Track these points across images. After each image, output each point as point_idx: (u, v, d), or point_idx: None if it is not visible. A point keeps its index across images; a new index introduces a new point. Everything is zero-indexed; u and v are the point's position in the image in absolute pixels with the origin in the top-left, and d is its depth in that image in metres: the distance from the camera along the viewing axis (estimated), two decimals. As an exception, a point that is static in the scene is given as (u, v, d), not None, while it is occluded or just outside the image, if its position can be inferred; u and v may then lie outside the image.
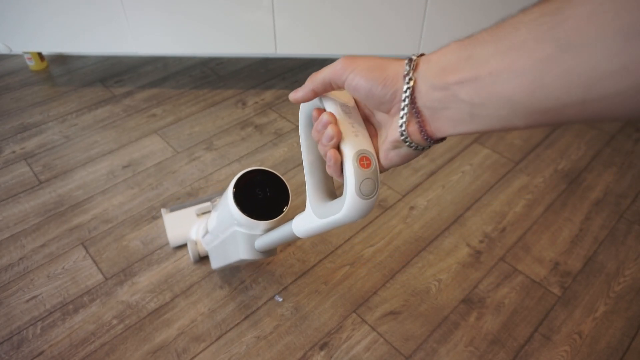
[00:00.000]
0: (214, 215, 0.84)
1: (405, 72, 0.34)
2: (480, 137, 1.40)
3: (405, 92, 0.34)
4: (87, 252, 1.07)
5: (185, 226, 1.08)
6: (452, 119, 0.33)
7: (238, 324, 0.94)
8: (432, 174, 1.28)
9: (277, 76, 1.67)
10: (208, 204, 1.12)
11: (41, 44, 1.48)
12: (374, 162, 0.38)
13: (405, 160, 0.39)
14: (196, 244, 1.03)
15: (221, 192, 1.22)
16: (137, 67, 1.72)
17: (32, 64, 1.69)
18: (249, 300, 0.98)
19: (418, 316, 0.95)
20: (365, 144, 0.39)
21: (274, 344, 0.91)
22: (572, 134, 1.41)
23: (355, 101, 0.43)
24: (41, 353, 0.89)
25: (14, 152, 1.35)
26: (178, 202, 1.19)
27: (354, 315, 0.96)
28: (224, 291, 1.00)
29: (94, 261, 1.05)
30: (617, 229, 1.13)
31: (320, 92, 0.41)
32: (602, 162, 1.31)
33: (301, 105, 0.46)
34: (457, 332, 0.93)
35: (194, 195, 1.21)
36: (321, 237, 1.11)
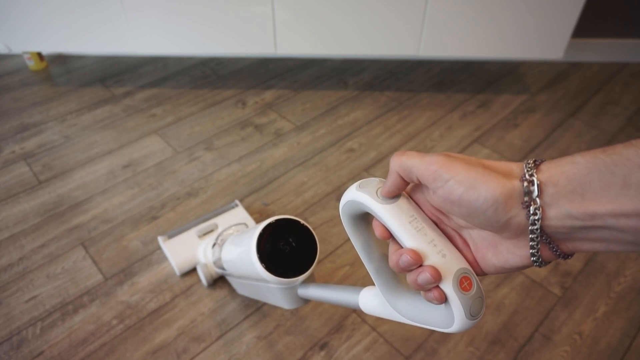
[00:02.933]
0: (230, 256, 0.77)
1: (526, 200, 0.28)
2: (480, 137, 1.40)
3: (534, 224, 0.29)
4: (87, 252, 1.07)
5: (190, 250, 1.02)
6: (603, 241, 0.28)
7: (238, 324, 0.94)
8: (432, 174, 1.27)
9: (277, 76, 1.67)
10: (209, 223, 1.08)
11: (41, 44, 1.48)
12: (475, 279, 0.34)
13: (518, 270, 0.34)
14: (207, 266, 0.98)
15: (221, 192, 1.22)
16: (137, 67, 1.72)
17: (32, 64, 1.69)
18: (249, 300, 0.98)
19: (418, 316, 0.95)
20: (459, 262, 0.34)
21: (274, 344, 0.91)
22: (572, 134, 1.41)
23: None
24: (41, 353, 0.89)
25: (13, 152, 1.35)
26: (174, 222, 1.19)
27: (354, 315, 0.96)
28: (224, 291, 0.99)
29: (94, 261, 1.05)
30: (617, 229, 1.13)
31: (404, 178, 0.34)
32: (602, 162, 1.31)
33: (343, 203, 0.39)
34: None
35: (194, 195, 1.21)
36: (321, 237, 1.11)
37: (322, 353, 0.90)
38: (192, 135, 1.41)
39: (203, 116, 1.48)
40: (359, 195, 0.37)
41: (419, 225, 0.35)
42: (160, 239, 1.06)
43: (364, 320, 0.95)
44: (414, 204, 0.36)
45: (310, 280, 0.65)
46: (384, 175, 1.26)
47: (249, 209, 1.17)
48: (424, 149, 1.35)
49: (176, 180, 1.26)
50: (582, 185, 0.26)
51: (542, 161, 0.29)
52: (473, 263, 0.35)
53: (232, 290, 1.00)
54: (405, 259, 0.33)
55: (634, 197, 0.25)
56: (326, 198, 1.20)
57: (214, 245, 0.95)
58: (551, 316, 0.96)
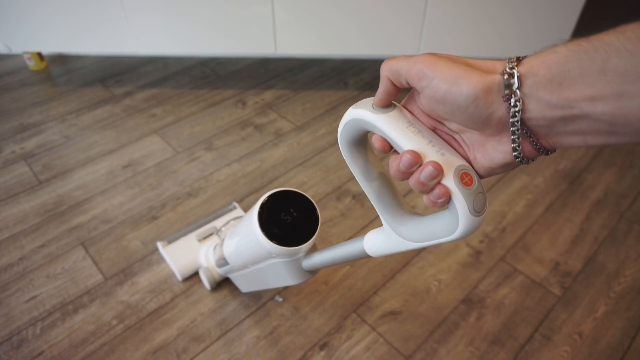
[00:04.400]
0: (231, 246, 0.77)
1: (506, 92, 0.29)
2: (480, 137, 1.40)
3: (514, 116, 0.29)
4: (87, 252, 1.07)
5: (190, 254, 1.01)
6: (580, 133, 0.28)
7: (238, 324, 0.94)
8: (432, 174, 1.27)
9: (277, 76, 1.67)
10: (208, 227, 1.07)
11: (41, 44, 1.48)
12: (475, 175, 0.35)
13: (507, 170, 0.34)
14: (210, 270, 0.97)
15: (221, 192, 1.22)
16: (137, 67, 1.72)
17: (32, 64, 1.69)
18: (249, 300, 0.98)
19: (418, 316, 0.95)
20: (458, 159, 0.35)
21: (274, 344, 0.91)
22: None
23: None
24: (41, 353, 0.89)
25: (13, 152, 1.35)
26: (172, 226, 1.19)
27: (354, 315, 0.96)
28: (224, 291, 0.99)
29: (94, 261, 1.05)
30: (617, 229, 1.13)
31: (395, 83, 0.35)
32: (602, 162, 1.31)
33: (342, 126, 0.40)
34: (457, 332, 0.93)
35: (194, 195, 1.21)
36: (321, 238, 1.10)
37: (322, 353, 0.90)
38: (192, 135, 1.41)
39: (203, 116, 1.48)
40: (356, 112, 0.37)
41: (416, 129, 0.36)
42: (159, 244, 1.04)
43: (364, 321, 0.95)
44: (408, 112, 0.37)
45: (312, 251, 0.64)
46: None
47: (248, 209, 1.17)
48: (424, 149, 1.35)
49: (176, 180, 1.26)
50: (561, 73, 0.27)
51: (525, 57, 0.29)
52: None
53: (232, 290, 1.00)
54: (406, 159, 0.33)
55: (610, 81, 0.25)
56: (326, 198, 1.20)
57: (216, 247, 0.94)
58: (551, 316, 0.96)
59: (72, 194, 1.21)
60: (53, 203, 1.19)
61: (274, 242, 0.60)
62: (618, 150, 1.35)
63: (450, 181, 0.34)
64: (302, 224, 0.62)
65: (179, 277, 1.00)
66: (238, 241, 0.73)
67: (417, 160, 0.33)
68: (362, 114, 0.37)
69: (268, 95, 1.58)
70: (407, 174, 0.34)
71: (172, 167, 1.30)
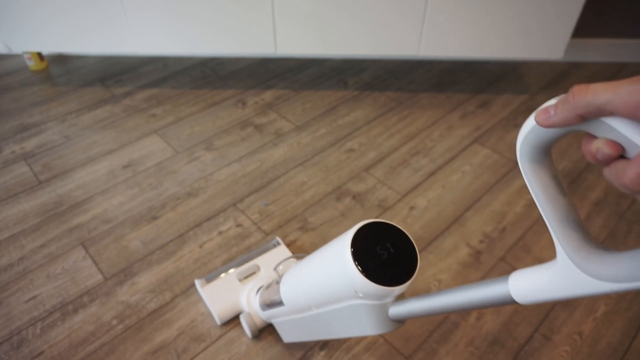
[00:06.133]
0: (294, 283, 0.67)
1: None
2: (480, 137, 1.40)
3: None
4: (87, 252, 1.07)
5: (231, 297, 0.93)
6: None
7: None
8: (432, 174, 1.28)
9: (277, 76, 1.67)
10: (249, 265, 0.99)
11: (41, 44, 1.47)
12: None
13: None
14: (252, 316, 0.90)
15: (221, 192, 1.22)
16: (137, 67, 1.72)
17: (32, 64, 1.69)
18: (249, 300, 0.98)
19: (418, 316, 0.95)
20: None
21: (274, 344, 0.91)
22: (572, 134, 1.41)
23: None
24: (41, 353, 0.89)
25: (13, 152, 1.35)
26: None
27: (354, 315, 0.95)
28: (224, 291, 0.99)
29: (94, 261, 1.05)
30: (617, 229, 1.13)
31: (586, 118, 0.29)
32: (602, 162, 1.31)
33: (524, 132, 0.33)
34: (457, 332, 0.93)
35: (194, 195, 1.21)
36: (321, 237, 1.11)
37: (322, 353, 0.90)
38: (192, 135, 1.41)
39: (203, 116, 1.48)
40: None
41: None
42: (197, 283, 0.97)
43: (364, 320, 0.95)
44: None
45: (400, 298, 0.55)
46: (385, 174, 1.26)
47: (248, 209, 1.17)
48: (424, 149, 1.35)
49: (176, 180, 1.26)
50: None
51: None
52: None
53: (232, 290, 1.00)
54: None
55: None
56: (326, 198, 1.20)
57: (260, 289, 0.88)
58: (551, 316, 0.96)
59: (72, 194, 1.21)
60: (53, 203, 1.19)
61: (369, 278, 0.50)
62: (618, 150, 1.35)
63: None
64: (398, 263, 0.53)
65: (218, 322, 0.93)
66: (307, 275, 0.63)
67: None
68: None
69: (268, 95, 1.58)
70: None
71: (172, 167, 1.30)
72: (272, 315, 0.82)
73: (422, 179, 1.26)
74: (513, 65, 1.73)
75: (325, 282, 0.57)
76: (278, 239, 1.06)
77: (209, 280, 0.97)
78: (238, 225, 1.13)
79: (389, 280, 0.51)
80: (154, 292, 0.99)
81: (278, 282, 0.74)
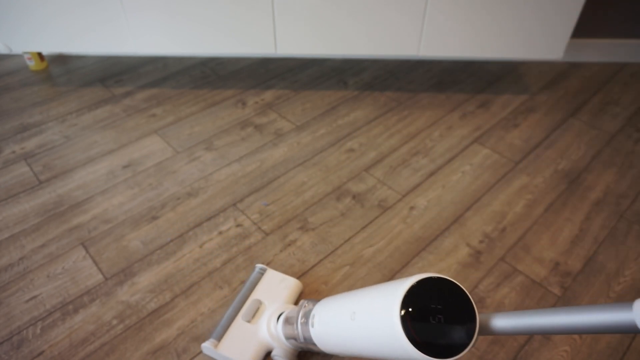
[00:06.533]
0: (328, 333, 0.60)
1: None
2: (480, 137, 1.40)
3: None
4: (87, 252, 1.07)
5: (252, 342, 0.86)
6: None
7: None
8: (432, 174, 1.28)
9: (277, 76, 1.67)
10: (251, 302, 0.91)
11: (41, 44, 1.48)
12: None
13: None
14: (285, 350, 0.84)
15: (221, 192, 1.22)
16: (137, 67, 1.72)
17: (32, 64, 1.69)
18: (249, 300, 0.98)
19: (418, 316, 0.95)
20: None
21: (274, 344, 0.91)
22: (572, 134, 1.41)
23: None
24: (41, 353, 0.89)
25: (14, 152, 1.35)
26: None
27: (354, 315, 0.95)
28: (223, 291, 0.99)
29: (94, 261, 1.05)
30: (617, 229, 1.13)
31: None
32: (602, 162, 1.31)
33: None
34: (457, 332, 0.93)
35: (194, 195, 1.21)
36: (321, 237, 1.11)
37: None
38: (192, 135, 1.41)
39: (203, 116, 1.48)
40: None
41: None
42: (208, 347, 0.85)
43: (364, 320, 0.95)
44: None
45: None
46: (385, 174, 1.26)
47: (249, 209, 1.17)
48: (424, 149, 1.35)
49: (176, 180, 1.26)
50: None
51: None
52: None
53: (232, 290, 1.00)
54: None
55: None
56: (326, 198, 1.20)
57: (279, 320, 0.84)
58: (551, 316, 0.96)
59: (72, 194, 1.22)
60: (53, 203, 1.19)
61: (421, 350, 0.45)
62: (618, 150, 1.35)
63: None
64: (452, 325, 0.47)
65: None
66: (346, 332, 0.56)
67: None
68: None
69: (268, 95, 1.58)
70: None
71: (172, 167, 1.30)
72: (301, 348, 0.81)
73: (422, 179, 1.26)
74: (513, 65, 1.73)
75: (369, 344, 0.51)
76: (261, 265, 0.99)
77: (218, 337, 0.87)
78: (238, 225, 1.13)
79: (445, 351, 0.46)
80: (154, 292, 1.00)
81: (304, 321, 0.70)
